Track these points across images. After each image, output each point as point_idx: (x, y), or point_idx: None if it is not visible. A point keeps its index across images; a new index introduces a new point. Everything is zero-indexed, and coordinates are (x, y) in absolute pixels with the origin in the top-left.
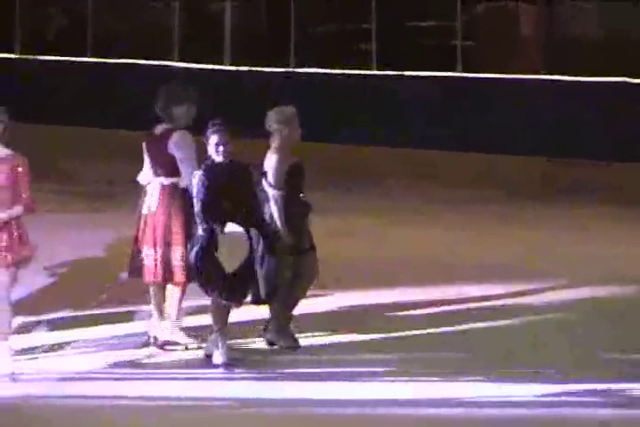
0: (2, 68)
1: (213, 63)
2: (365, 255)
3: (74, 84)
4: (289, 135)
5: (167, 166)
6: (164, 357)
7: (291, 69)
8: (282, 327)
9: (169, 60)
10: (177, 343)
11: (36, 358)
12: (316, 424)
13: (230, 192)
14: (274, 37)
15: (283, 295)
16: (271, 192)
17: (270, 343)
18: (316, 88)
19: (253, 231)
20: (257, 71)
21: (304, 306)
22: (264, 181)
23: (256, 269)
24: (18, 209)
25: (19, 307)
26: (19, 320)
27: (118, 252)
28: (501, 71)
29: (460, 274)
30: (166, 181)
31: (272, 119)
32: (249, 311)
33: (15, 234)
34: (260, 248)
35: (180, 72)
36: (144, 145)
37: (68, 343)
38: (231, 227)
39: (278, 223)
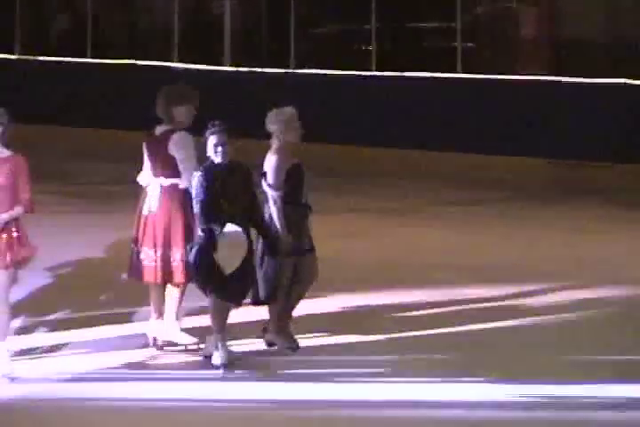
0: (2, 68)
1: (213, 64)
2: (366, 256)
3: (73, 85)
4: (289, 136)
5: (167, 167)
6: (163, 358)
7: (290, 70)
8: (281, 328)
9: (169, 60)
10: (176, 344)
11: (36, 358)
12: (316, 425)
13: (230, 193)
14: (273, 38)
15: (282, 296)
16: (271, 193)
17: (269, 344)
18: (316, 88)
19: (253, 232)
20: (257, 72)
21: (303, 307)
22: (264, 182)
23: (255, 270)
24: (18, 210)
25: (18, 307)
26: (18, 321)
27: (118, 252)
28: (501, 72)
29: (460, 274)
30: (166, 181)
31: (272, 120)
32: (248, 312)
33: (15, 235)
34: (260, 249)
35: (180, 73)
36: (144, 146)
37: (67, 344)
38: (231, 227)
39: (278, 224)
